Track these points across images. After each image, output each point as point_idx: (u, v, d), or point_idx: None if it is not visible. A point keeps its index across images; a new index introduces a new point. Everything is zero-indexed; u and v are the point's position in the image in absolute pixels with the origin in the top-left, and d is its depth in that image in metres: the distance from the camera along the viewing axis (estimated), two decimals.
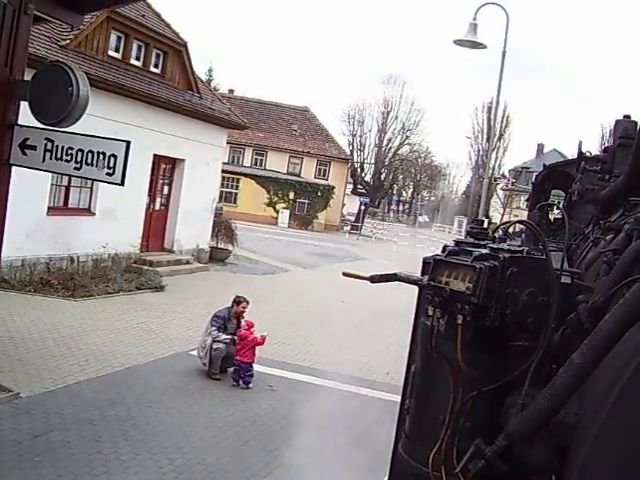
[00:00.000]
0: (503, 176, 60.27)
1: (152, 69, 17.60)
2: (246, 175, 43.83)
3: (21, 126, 6.55)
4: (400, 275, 2.58)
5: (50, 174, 11.70)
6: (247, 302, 9.71)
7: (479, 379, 2.08)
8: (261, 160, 47.74)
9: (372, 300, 14.61)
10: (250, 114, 42.53)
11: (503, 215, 52.15)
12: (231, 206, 39.45)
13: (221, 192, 34.76)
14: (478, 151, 56.84)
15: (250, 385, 9.26)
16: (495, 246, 2.19)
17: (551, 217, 6.25)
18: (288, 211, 43.97)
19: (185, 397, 8.55)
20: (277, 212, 43.95)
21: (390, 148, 57.68)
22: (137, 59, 17.07)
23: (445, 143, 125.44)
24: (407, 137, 57.63)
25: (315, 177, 47.28)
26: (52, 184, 14.22)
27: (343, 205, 51.72)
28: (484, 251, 2.15)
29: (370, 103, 57.65)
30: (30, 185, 10.98)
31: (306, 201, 44.62)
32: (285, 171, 46.84)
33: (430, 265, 2.24)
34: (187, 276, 17.92)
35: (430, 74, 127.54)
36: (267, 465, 6.85)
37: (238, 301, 9.66)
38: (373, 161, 57.50)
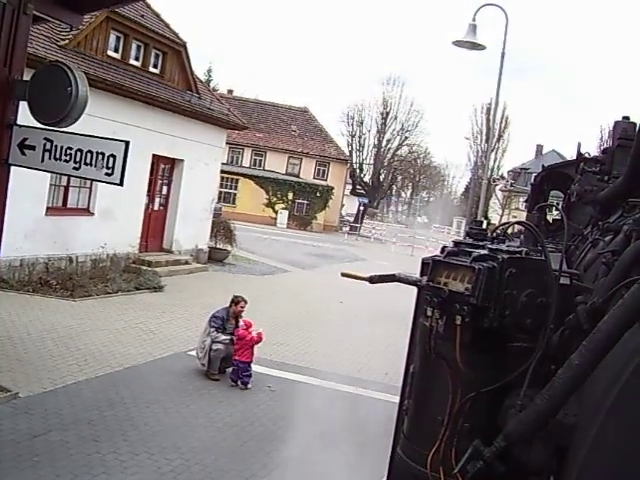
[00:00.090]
0: (502, 177, 60.31)
1: (151, 69, 17.60)
2: (245, 175, 43.81)
3: (20, 126, 6.54)
4: (399, 276, 2.58)
5: (49, 174, 11.70)
6: (245, 302, 9.72)
7: (478, 380, 2.08)
8: (260, 160, 47.73)
9: (371, 301, 14.61)
10: (249, 114, 42.53)
11: (502, 216, 52.17)
12: (230, 206, 39.43)
13: (220, 192, 34.72)
14: (477, 152, 56.83)
15: (249, 386, 9.26)
16: (494, 247, 2.19)
17: (550, 218, 6.26)
18: (287, 211, 43.95)
19: (184, 397, 8.54)
20: (276, 212, 43.93)
21: (389, 149, 57.65)
22: (136, 59, 17.07)
23: (444, 144, 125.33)
24: (406, 138, 57.59)
25: (314, 178, 47.27)
26: (51, 184, 14.22)
27: (342, 206, 51.72)
28: (483, 252, 2.15)
29: (369, 104, 57.34)
30: (29, 185, 10.99)
31: (305, 201, 44.61)
32: (284, 171, 46.82)
33: (429, 266, 2.24)
34: (186, 276, 17.92)
35: (429, 75, 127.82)
36: (265, 465, 6.85)
37: (236, 301, 9.67)
38: (372, 162, 57.46)
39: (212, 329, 9.44)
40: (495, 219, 49.39)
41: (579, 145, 5.18)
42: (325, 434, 6.31)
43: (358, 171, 56.16)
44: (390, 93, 55.77)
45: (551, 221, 5.94)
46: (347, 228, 49.53)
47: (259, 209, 43.02)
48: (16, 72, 6.43)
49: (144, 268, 16.49)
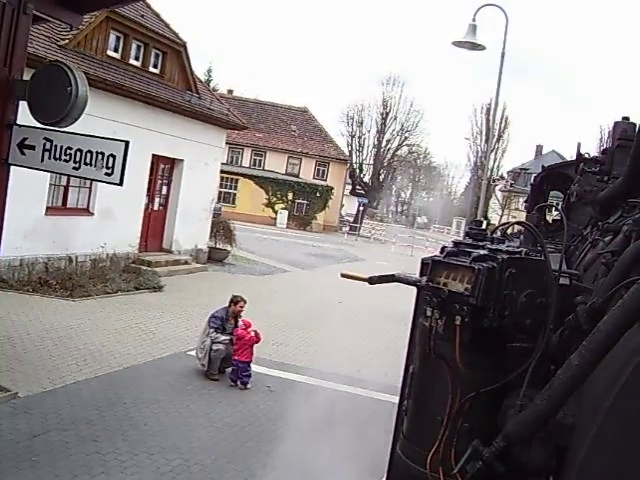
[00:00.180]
0: (502, 177, 60.27)
1: (151, 69, 17.60)
2: (245, 175, 43.82)
3: (20, 126, 6.54)
4: (398, 276, 2.58)
5: (49, 174, 11.70)
6: (244, 301, 9.72)
7: (477, 380, 2.08)
8: (260, 160, 47.74)
9: (370, 301, 14.61)
10: (249, 114, 42.53)
11: (502, 216, 52.17)
12: (230, 206, 39.44)
13: (220, 192, 34.72)
14: (477, 152, 56.83)
15: (248, 386, 9.26)
16: (494, 247, 2.19)
17: (550, 218, 6.26)
18: (287, 212, 43.95)
19: (183, 397, 8.54)
20: (275, 212, 43.94)
21: (389, 149, 57.60)
22: (136, 59, 17.07)
23: (444, 144, 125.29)
24: (406, 138, 57.52)
25: (314, 178, 47.27)
26: (51, 184, 14.22)
27: (342, 206, 51.72)
28: (482, 252, 2.15)
29: (369, 104, 57.21)
30: (29, 185, 10.98)
31: (305, 202, 44.62)
32: (284, 172, 46.83)
33: (428, 266, 2.24)
34: (185, 276, 17.92)
35: (429, 75, 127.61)
36: (265, 466, 6.85)
37: (235, 301, 9.67)
38: (372, 162, 57.43)
39: (211, 330, 9.43)
40: (495, 219, 49.37)
41: (579, 145, 5.18)
42: (325, 434, 6.30)
43: (358, 171, 56.12)
44: (390, 93, 55.73)
45: (551, 221, 5.94)
46: (347, 228, 49.54)
47: (259, 209, 43.02)
48: (16, 72, 6.43)
49: (144, 268, 16.49)
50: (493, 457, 1.94)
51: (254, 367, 9.48)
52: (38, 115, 6.46)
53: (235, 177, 43.30)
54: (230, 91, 52.30)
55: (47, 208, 14.21)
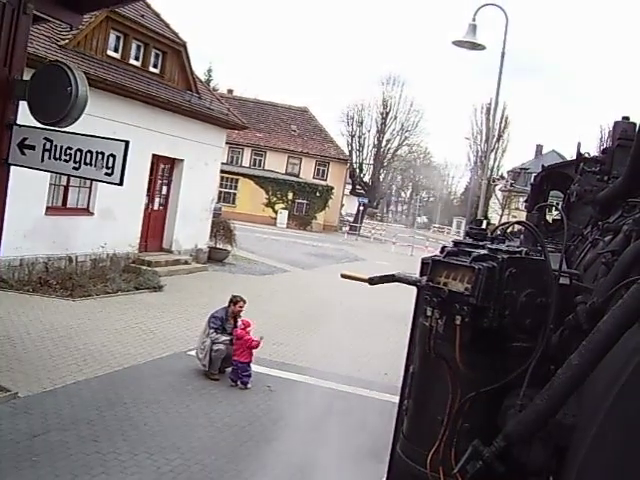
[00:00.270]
0: (502, 177, 60.26)
1: (151, 69, 17.59)
2: (245, 175, 43.82)
3: (20, 126, 6.54)
4: (399, 276, 2.58)
5: (49, 174, 11.70)
6: (244, 301, 9.72)
7: (477, 380, 2.08)
8: (260, 160, 47.73)
9: (370, 301, 14.59)
10: (249, 114, 42.50)
11: (502, 216, 52.14)
12: (230, 206, 39.44)
13: (220, 192, 34.72)
14: (477, 152, 56.82)
15: (248, 385, 9.26)
16: (494, 247, 2.19)
17: (550, 218, 6.26)
18: (287, 211, 43.96)
19: (183, 397, 8.54)
20: (276, 212, 43.94)
21: (389, 149, 57.62)
22: (136, 59, 17.07)
23: (444, 144, 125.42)
24: (406, 138, 57.57)
25: (314, 177, 47.28)
26: (51, 184, 14.22)
27: (342, 205, 51.72)
28: (483, 252, 2.15)
29: (369, 104, 57.22)
30: (29, 185, 10.98)
31: (305, 201, 44.62)
32: (284, 171, 46.83)
33: (429, 266, 2.24)
34: (185, 276, 17.91)
35: (429, 75, 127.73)
36: (265, 465, 6.84)
37: (235, 301, 9.67)
38: (372, 162, 57.44)
39: (211, 330, 9.43)
40: (495, 219, 49.34)
41: (579, 145, 5.18)
42: (324, 434, 6.30)
43: (358, 171, 56.12)
44: (390, 93, 55.76)
45: (551, 221, 5.94)
46: (347, 228, 49.55)
47: (259, 209, 43.03)
48: (16, 72, 6.43)
49: (144, 268, 16.49)
50: (493, 457, 1.94)
51: (254, 367, 9.48)
52: (38, 115, 6.46)
53: (235, 177, 43.30)
54: (230, 91, 52.29)
55: (47, 208, 14.21)
